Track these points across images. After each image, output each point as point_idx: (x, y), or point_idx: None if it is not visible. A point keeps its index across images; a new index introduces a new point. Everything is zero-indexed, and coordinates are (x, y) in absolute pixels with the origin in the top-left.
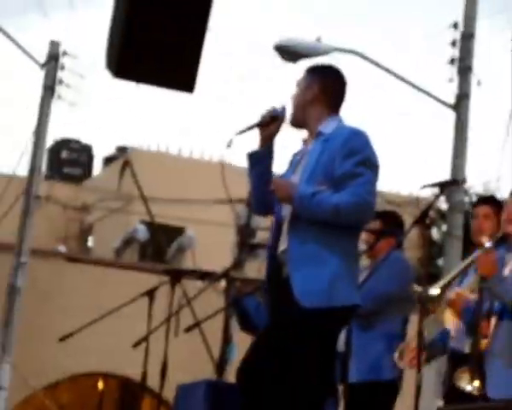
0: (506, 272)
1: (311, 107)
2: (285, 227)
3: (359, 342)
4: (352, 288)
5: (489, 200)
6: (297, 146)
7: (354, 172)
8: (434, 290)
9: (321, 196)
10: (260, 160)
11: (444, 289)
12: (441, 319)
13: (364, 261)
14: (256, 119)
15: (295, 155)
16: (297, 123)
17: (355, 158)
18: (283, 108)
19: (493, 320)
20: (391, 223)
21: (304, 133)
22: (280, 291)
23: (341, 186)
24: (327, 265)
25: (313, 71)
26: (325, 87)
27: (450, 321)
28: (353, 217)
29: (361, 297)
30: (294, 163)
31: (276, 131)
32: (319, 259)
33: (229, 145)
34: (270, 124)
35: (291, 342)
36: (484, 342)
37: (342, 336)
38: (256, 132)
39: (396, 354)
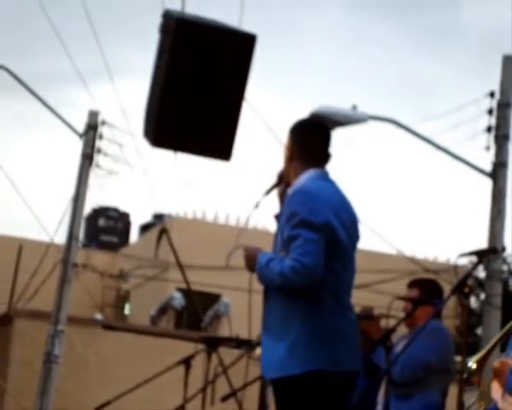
0: None
1: (290, 166)
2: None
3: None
4: (312, 352)
5: None
6: None
7: (292, 236)
8: (470, 364)
9: (273, 262)
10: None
11: (480, 362)
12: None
13: (403, 330)
14: (275, 178)
15: None
16: (286, 183)
17: (292, 221)
18: None
19: None
20: (429, 291)
21: None
22: None
23: (288, 251)
24: (288, 333)
25: (290, 130)
26: (299, 144)
27: (497, 392)
28: (296, 281)
29: (400, 366)
30: None
31: (284, 188)
32: (281, 327)
33: (256, 206)
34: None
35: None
36: None
37: (380, 406)
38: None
39: None
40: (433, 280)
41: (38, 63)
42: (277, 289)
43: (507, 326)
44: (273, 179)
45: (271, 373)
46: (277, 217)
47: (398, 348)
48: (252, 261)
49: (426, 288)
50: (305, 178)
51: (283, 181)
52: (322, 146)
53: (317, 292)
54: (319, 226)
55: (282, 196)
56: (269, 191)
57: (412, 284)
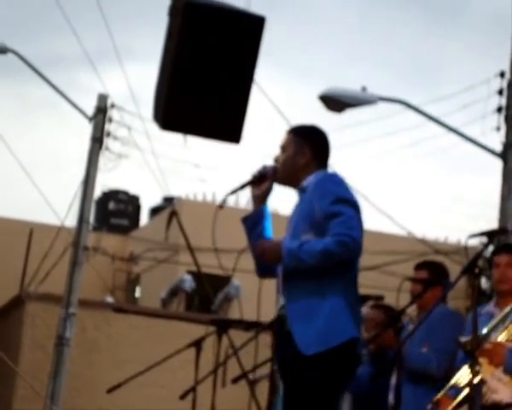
0: None
1: (304, 170)
2: (280, 284)
3: (409, 396)
4: (347, 323)
5: (510, 248)
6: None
7: (332, 212)
8: (484, 331)
9: (308, 245)
10: (256, 222)
11: (491, 330)
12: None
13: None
14: (248, 177)
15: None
16: (288, 184)
17: (328, 198)
18: (273, 168)
19: None
20: (437, 273)
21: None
22: (285, 345)
23: (323, 228)
24: (321, 312)
25: (302, 135)
26: (317, 151)
27: (487, 372)
28: (344, 255)
29: (436, 361)
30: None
31: (268, 190)
32: (313, 308)
33: (221, 205)
34: (261, 182)
35: (302, 389)
36: None
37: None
38: (249, 192)
39: (429, 406)
40: (440, 263)
41: (46, 46)
42: (305, 275)
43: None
44: (246, 178)
45: (311, 349)
46: (246, 219)
47: (409, 329)
48: (274, 252)
49: (434, 270)
50: (320, 175)
51: (269, 180)
52: (329, 151)
53: (351, 270)
54: (354, 204)
55: (266, 195)
56: (235, 191)
57: (420, 266)
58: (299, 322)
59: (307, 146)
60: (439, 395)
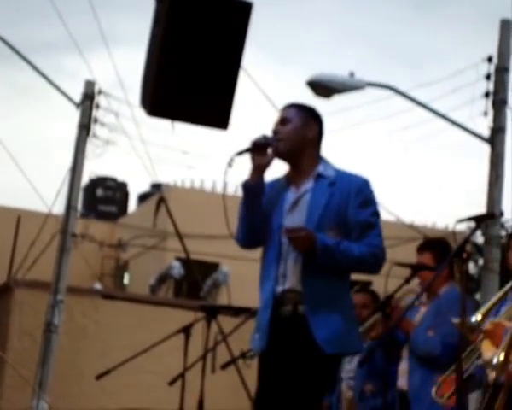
0: None
1: (309, 146)
2: (289, 267)
3: (420, 383)
4: (359, 335)
5: None
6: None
7: (370, 223)
8: (475, 318)
9: (343, 246)
10: (256, 193)
11: (484, 316)
12: (479, 351)
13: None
14: (256, 139)
15: (277, 191)
16: (290, 158)
17: (371, 209)
18: (275, 138)
19: None
20: (442, 253)
21: (284, 169)
22: (282, 330)
23: (356, 234)
24: (342, 311)
25: (308, 111)
26: (321, 131)
27: (489, 352)
28: (373, 266)
29: (440, 346)
30: (289, 202)
31: (271, 161)
32: (335, 304)
33: (230, 164)
34: (261, 151)
35: (311, 383)
36: None
37: (404, 377)
38: (249, 161)
39: (433, 389)
40: (443, 240)
41: (33, 32)
42: (329, 269)
43: (508, 285)
44: (247, 144)
45: (332, 349)
46: (247, 184)
47: (417, 318)
48: (308, 242)
49: (439, 251)
50: (330, 165)
51: (272, 150)
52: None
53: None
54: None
55: (269, 166)
56: (241, 153)
57: (423, 248)
58: (321, 314)
59: (316, 124)
60: (443, 377)
